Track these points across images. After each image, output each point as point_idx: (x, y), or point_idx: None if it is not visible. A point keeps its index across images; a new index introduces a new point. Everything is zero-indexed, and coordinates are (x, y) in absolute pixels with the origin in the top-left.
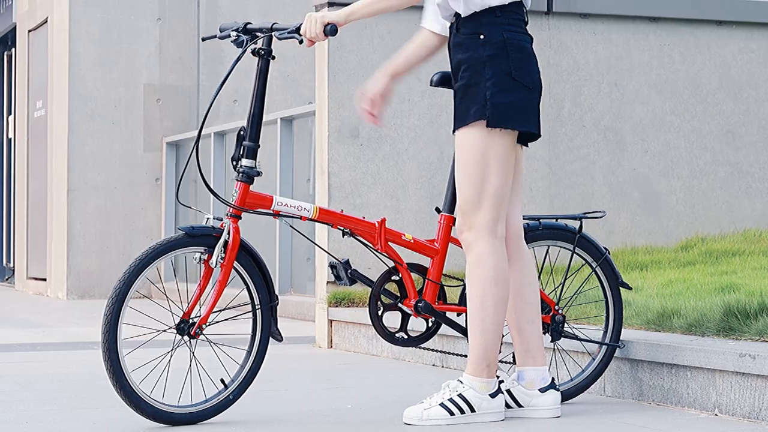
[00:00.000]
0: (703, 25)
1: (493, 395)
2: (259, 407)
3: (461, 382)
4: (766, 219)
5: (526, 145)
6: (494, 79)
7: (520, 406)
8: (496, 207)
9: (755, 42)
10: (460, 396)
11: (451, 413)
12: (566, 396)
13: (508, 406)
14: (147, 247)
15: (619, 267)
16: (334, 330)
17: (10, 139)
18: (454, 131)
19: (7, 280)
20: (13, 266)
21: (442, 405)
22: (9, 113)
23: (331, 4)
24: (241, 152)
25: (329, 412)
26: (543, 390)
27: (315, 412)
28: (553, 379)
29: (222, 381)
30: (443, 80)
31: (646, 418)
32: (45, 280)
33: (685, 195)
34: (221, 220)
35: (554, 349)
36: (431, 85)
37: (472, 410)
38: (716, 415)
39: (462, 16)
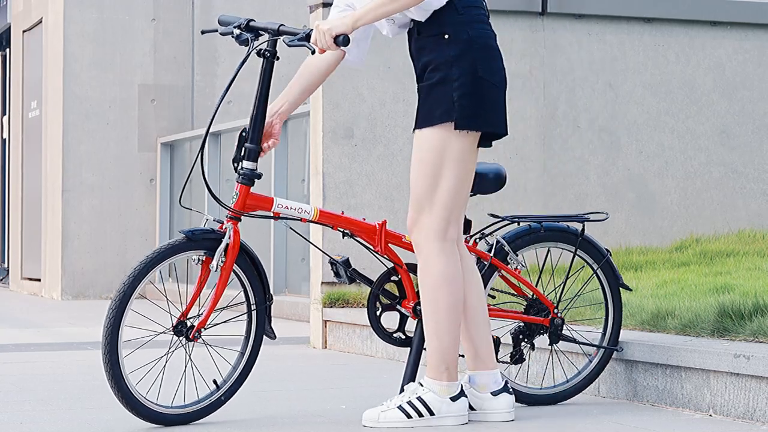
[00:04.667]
0: (698, 25)
1: (454, 398)
2: (253, 407)
3: (422, 384)
4: (760, 219)
5: (490, 145)
6: (462, 79)
7: (472, 409)
8: (448, 209)
9: (749, 42)
10: (419, 399)
11: (409, 416)
12: (562, 397)
13: None
14: (149, 251)
15: None
16: (329, 330)
17: (5, 139)
18: (414, 130)
19: (1, 280)
20: (8, 266)
21: (399, 407)
22: (3, 113)
23: (326, 5)
24: (243, 154)
25: (323, 413)
26: (495, 393)
27: (309, 413)
28: (506, 382)
29: (214, 381)
30: None
31: (641, 418)
32: (39, 280)
33: (680, 195)
34: (221, 222)
35: (551, 351)
36: None
37: (431, 413)
38: (711, 415)
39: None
